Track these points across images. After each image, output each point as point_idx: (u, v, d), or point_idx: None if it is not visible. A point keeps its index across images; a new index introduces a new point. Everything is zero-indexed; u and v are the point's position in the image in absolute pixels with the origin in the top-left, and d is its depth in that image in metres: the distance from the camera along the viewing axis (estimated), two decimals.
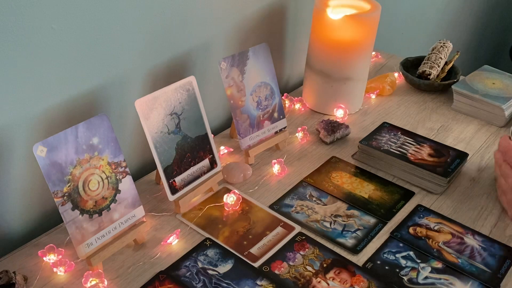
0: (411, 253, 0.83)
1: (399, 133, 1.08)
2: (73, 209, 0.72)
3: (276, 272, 0.78)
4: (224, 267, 0.78)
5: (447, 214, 0.91)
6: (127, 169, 0.78)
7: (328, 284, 0.76)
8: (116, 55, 0.86)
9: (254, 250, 0.82)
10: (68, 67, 0.80)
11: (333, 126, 1.08)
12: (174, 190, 0.85)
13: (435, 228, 0.88)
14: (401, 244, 0.84)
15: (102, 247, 0.76)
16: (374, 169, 1.01)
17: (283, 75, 1.31)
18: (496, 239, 0.86)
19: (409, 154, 1.00)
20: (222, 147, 1.03)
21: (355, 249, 0.83)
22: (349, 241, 0.84)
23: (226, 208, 0.89)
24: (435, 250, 0.83)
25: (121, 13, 0.83)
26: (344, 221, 0.88)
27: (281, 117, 1.05)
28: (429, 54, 1.31)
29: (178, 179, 0.86)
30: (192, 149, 0.88)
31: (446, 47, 1.31)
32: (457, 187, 0.98)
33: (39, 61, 0.75)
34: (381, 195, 0.94)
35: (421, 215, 0.90)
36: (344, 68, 1.12)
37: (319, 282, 0.77)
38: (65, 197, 0.71)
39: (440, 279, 0.78)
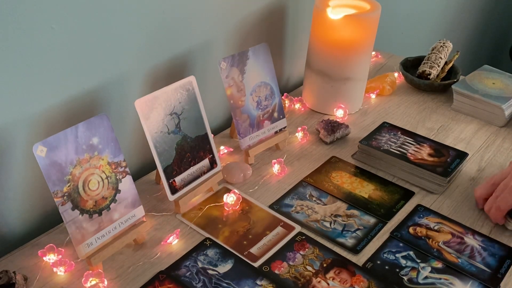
0: (411, 253, 0.83)
1: (399, 133, 1.08)
2: (73, 209, 0.72)
3: (276, 272, 0.78)
4: (224, 267, 0.78)
5: (447, 214, 0.91)
6: (127, 169, 0.78)
7: (328, 284, 0.76)
8: (116, 55, 0.86)
9: (254, 250, 0.82)
10: (68, 67, 0.80)
11: (333, 126, 1.08)
12: (174, 190, 0.85)
13: (435, 228, 0.88)
14: (401, 244, 0.84)
15: (102, 247, 0.76)
16: (374, 169, 1.01)
17: (283, 75, 1.31)
18: (496, 239, 0.86)
19: (409, 154, 1.00)
20: (222, 147, 1.03)
21: (355, 249, 0.83)
22: (349, 241, 0.84)
23: (226, 208, 0.89)
24: (435, 250, 0.83)
25: (121, 13, 0.83)
26: (344, 221, 0.88)
27: (281, 117, 1.05)
28: (429, 54, 1.31)
29: (178, 179, 0.86)
30: (192, 149, 0.88)
31: (446, 47, 1.31)
32: (457, 187, 0.98)
33: (39, 61, 0.75)
34: (381, 195, 0.94)
35: (421, 215, 0.90)
36: (344, 68, 1.12)
37: (319, 282, 0.77)
38: (65, 197, 0.71)
39: (440, 279, 0.78)
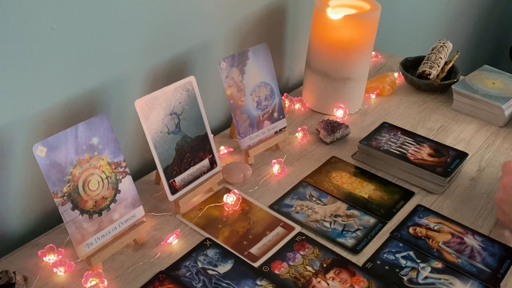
0: (411, 253, 0.83)
1: (399, 133, 1.08)
2: (73, 209, 0.72)
3: (276, 272, 0.78)
4: (224, 267, 0.78)
5: (447, 214, 0.91)
6: (127, 169, 0.78)
7: (328, 284, 0.76)
8: (116, 55, 0.86)
9: (254, 250, 0.82)
10: (68, 67, 0.80)
11: (333, 126, 1.08)
12: (174, 190, 0.85)
13: (435, 228, 0.88)
14: (401, 244, 0.84)
15: (102, 247, 0.76)
16: (374, 169, 1.01)
17: (283, 75, 1.31)
18: (496, 239, 0.86)
19: (409, 154, 1.00)
20: (222, 147, 1.03)
21: (355, 249, 0.83)
22: (349, 241, 0.84)
23: (226, 208, 0.89)
24: (435, 250, 0.83)
25: (121, 13, 0.83)
26: (344, 221, 0.88)
27: (281, 117, 1.05)
28: (429, 54, 1.31)
29: (178, 179, 0.86)
30: (192, 149, 0.88)
31: (446, 47, 1.31)
32: (457, 187, 0.98)
33: (39, 61, 0.75)
34: (381, 195, 0.94)
35: (421, 215, 0.90)
36: (344, 68, 1.12)
37: (319, 282, 0.77)
38: (65, 197, 0.71)
39: (440, 279, 0.78)
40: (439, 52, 1.29)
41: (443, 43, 1.32)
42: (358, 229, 0.87)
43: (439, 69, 1.29)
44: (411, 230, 0.87)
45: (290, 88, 1.34)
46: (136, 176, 0.95)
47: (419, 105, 1.24)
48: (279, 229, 0.86)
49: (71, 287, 0.74)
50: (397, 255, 0.82)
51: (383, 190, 0.96)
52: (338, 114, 1.16)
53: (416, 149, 1.02)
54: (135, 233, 0.80)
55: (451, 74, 1.31)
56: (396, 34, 1.78)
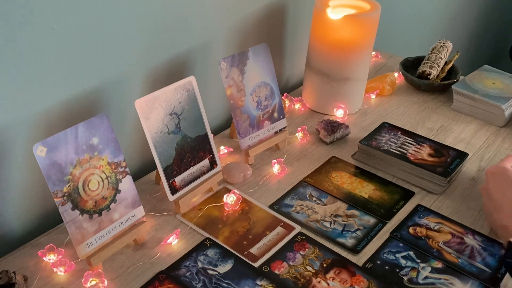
0: (411, 253, 0.83)
1: (399, 133, 1.08)
2: (73, 209, 0.72)
3: (276, 272, 0.78)
4: (224, 267, 0.78)
5: (447, 214, 0.91)
6: (127, 169, 0.78)
7: (328, 284, 0.76)
8: (116, 55, 0.86)
9: (254, 250, 0.82)
10: (68, 67, 0.80)
11: (333, 126, 1.08)
12: (174, 190, 0.85)
13: (435, 228, 0.88)
14: (401, 244, 0.84)
15: (102, 247, 0.76)
16: (374, 169, 1.01)
17: (283, 75, 1.31)
18: (496, 239, 0.86)
19: (409, 154, 1.00)
20: (222, 147, 1.03)
21: (355, 249, 0.83)
22: (349, 241, 0.84)
23: (226, 208, 0.89)
24: (435, 250, 0.83)
25: (121, 13, 0.83)
26: (344, 221, 0.88)
27: (281, 117, 1.05)
28: (429, 54, 1.31)
29: (178, 179, 0.86)
30: (192, 149, 0.88)
31: (446, 47, 1.31)
32: (457, 187, 0.98)
33: (39, 61, 0.75)
34: (381, 195, 0.94)
35: (421, 215, 0.90)
36: (344, 68, 1.12)
37: (319, 282, 0.77)
38: (65, 197, 0.71)
39: (440, 279, 0.78)
40: (439, 52, 1.30)
41: (443, 43, 1.32)
42: (358, 229, 0.87)
43: (439, 69, 1.29)
44: (411, 230, 0.87)
45: (290, 88, 1.34)
46: (136, 176, 0.95)
47: (419, 105, 1.24)
48: (279, 229, 0.86)
49: (71, 287, 0.74)
50: (397, 255, 0.82)
51: (383, 190, 0.96)
52: (338, 114, 1.16)
53: (416, 149, 1.02)
54: (135, 233, 0.80)
55: (451, 74, 1.31)
56: (396, 34, 1.78)
